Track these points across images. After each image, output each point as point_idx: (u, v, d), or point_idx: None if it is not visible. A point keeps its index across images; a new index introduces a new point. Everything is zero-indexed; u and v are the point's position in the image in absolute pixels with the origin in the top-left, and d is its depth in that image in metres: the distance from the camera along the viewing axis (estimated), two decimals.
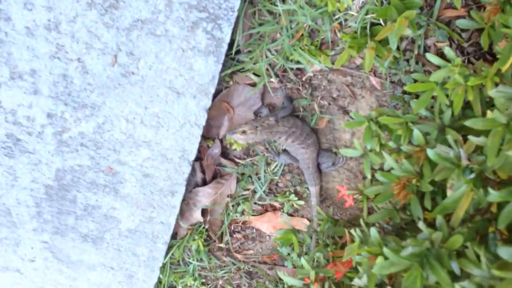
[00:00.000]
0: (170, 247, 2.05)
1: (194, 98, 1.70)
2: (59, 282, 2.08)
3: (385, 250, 0.95)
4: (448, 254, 0.96)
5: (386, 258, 1.07)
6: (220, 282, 2.18)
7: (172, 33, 1.61)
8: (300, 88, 1.81)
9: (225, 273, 2.15)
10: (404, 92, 1.71)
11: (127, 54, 1.64)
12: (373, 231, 1.22)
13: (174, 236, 2.05)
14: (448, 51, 1.19)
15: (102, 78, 1.67)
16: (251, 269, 2.14)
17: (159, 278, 2.09)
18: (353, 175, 1.92)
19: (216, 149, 1.95)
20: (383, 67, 1.60)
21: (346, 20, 1.64)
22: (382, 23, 1.53)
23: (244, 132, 1.75)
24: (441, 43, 1.59)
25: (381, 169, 1.41)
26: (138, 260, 2.01)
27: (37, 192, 1.86)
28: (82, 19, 1.59)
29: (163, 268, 2.09)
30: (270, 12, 1.70)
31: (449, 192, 1.13)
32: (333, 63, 1.72)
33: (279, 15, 1.68)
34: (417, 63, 1.65)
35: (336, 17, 1.63)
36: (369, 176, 1.47)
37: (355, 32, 1.59)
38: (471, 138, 1.03)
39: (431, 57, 1.20)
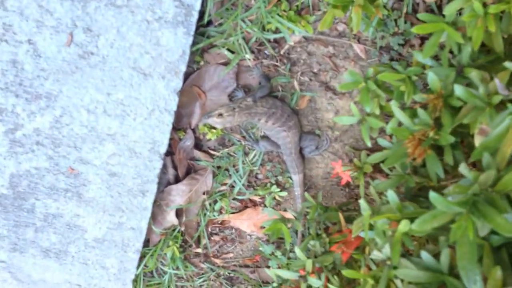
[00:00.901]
0: (142, 256, 1.86)
1: (163, 79, 1.52)
2: None
3: (432, 195, 0.79)
4: (500, 198, 0.81)
5: (412, 220, 0.91)
6: None
7: (135, 2, 1.44)
8: (278, 63, 1.66)
9: (203, 281, 1.95)
10: (392, 59, 1.58)
11: (84, 31, 1.45)
12: (391, 195, 1.07)
13: (146, 243, 1.85)
14: None
15: (57, 61, 1.47)
16: (231, 274, 1.96)
17: None
18: (339, 159, 1.77)
19: (188, 141, 1.77)
20: (371, 26, 1.46)
21: None
22: None
23: (220, 115, 1.59)
24: None
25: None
26: (107, 273, 1.80)
27: None
28: None
29: (135, 280, 1.89)
30: None
31: (478, 139, 0.98)
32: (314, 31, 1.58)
33: None
34: (405, 22, 1.52)
35: None
36: (369, 144, 1.32)
37: None
38: (507, 64, 0.89)
39: None
